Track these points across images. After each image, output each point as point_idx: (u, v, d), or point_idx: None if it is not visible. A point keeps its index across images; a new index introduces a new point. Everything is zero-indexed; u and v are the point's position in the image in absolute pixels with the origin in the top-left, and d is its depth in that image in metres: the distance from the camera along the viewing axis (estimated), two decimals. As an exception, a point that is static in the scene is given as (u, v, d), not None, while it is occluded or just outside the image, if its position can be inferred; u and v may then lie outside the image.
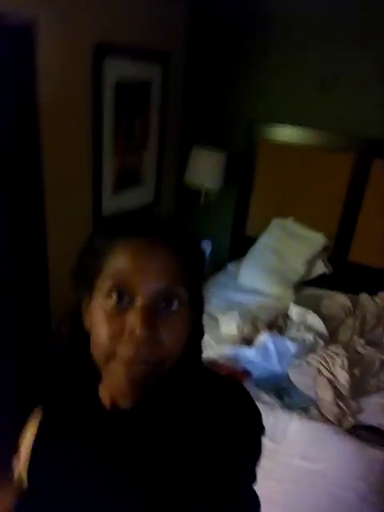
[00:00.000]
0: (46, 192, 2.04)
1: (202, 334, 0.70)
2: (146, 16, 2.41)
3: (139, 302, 0.55)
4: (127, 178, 2.62)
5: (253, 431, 0.62)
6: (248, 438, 0.60)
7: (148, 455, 0.58)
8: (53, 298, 2.18)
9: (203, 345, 0.71)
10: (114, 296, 0.56)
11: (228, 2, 2.64)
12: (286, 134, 2.72)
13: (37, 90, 1.85)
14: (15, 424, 0.88)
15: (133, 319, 0.55)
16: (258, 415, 0.64)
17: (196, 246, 0.64)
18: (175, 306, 0.57)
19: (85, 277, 0.61)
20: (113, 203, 2.51)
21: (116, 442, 0.62)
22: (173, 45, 2.71)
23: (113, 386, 0.62)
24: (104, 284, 0.58)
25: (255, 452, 0.61)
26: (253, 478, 0.61)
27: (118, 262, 0.57)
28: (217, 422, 0.59)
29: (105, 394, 0.65)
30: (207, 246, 3.00)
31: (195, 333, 0.66)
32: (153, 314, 0.55)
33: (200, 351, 0.70)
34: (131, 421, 0.62)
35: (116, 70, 2.27)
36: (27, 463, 0.71)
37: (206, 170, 2.80)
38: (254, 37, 2.65)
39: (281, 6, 2.54)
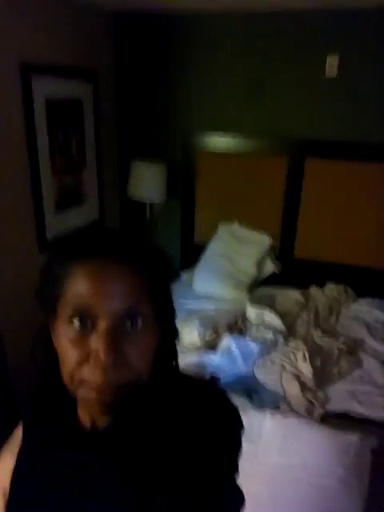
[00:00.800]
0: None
1: (173, 343, 0.69)
2: (71, 35, 2.40)
3: (102, 325, 0.54)
4: (69, 197, 2.55)
5: (232, 428, 0.62)
6: (227, 435, 0.61)
7: (129, 469, 0.58)
8: (2, 326, 2.06)
9: (177, 355, 0.69)
10: (76, 322, 0.55)
11: (151, 18, 2.68)
12: (221, 141, 2.78)
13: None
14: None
15: (96, 344, 0.53)
16: (235, 412, 0.64)
17: (157, 257, 0.62)
18: (140, 324, 0.56)
19: (47, 301, 0.59)
20: (57, 223, 2.43)
21: (97, 460, 0.61)
22: (100, 62, 2.71)
23: (87, 409, 0.62)
24: (64, 310, 0.56)
25: (236, 447, 0.62)
26: (235, 470, 0.61)
27: (77, 286, 0.55)
28: (195, 424, 0.59)
29: (83, 413, 0.64)
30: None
31: (167, 343, 0.66)
32: (117, 336, 0.54)
33: (175, 358, 0.69)
34: (110, 439, 0.61)
35: (44, 87, 2.22)
36: (8, 486, 0.69)
37: (147, 182, 2.79)
38: (180, 49, 2.71)
39: (203, 21, 2.61)
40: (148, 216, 2.96)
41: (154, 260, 0.61)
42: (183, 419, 0.59)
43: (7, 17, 1.93)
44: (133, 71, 2.85)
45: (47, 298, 0.59)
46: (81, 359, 0.55)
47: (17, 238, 2.20)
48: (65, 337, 0.56)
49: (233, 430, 0.62)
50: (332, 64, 2.48)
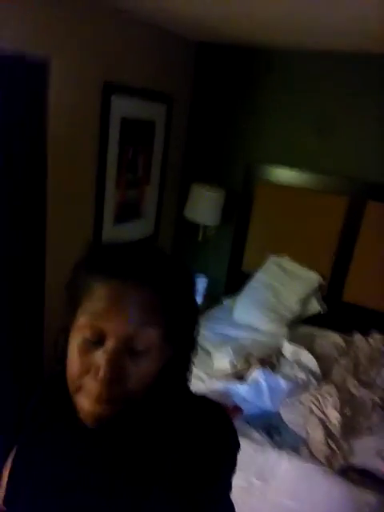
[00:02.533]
0: (49, 220, 2.09)
1: (188, 357, 0.70)
2: (153, 60, 2.56)
3: (109, 344, 0.58)
4: (128, 211, 2.69)
5: (228, 447, 0.63)
6: (222, 452, 0.62)
7: (123, 468, 0.61)
8: (47, 321, 2.19)
9: (190, 373, 0.71)
10: (87, 334, 0.59)
11: (231, 50, 2.80)
12: (283, 175, 2.81)
13: (46, 124, 1.94)
14: (8, 444, 0.87)
15: (100, 360, 0.57)
16: (233, 432, 0.66)
17: (178, 280, 0.64)
18: (145, 349, 0.59)
19: (70, 303, 0.64)
20: (113, 234, 2.55)
21: (93, 456, 0.64)
22: (178, 88, 2.85)
23: (82, 416, 0.63)
24: (80, 320, 0.60)
25: (230, 465, 0.62)
26: (228, 488, 0.62)
27: (93, 303, 0.59)
28: (193, 438, 0.60)
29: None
30: (202, 281, 3.03)
31: (180, 356, 0.68)
32: (121, 357, 0.58)
33: (187, 371, 0.71)
34: (107, 437, 0.64)
35: (122, 107, 2.38)
36: (6, 480, 0.73)
37: (204, 206, 2.87)
38: (255, 81, 2.80)
39: (280, 56, 2.69)
40: (200, 238, 3.03)
41: (172, 281, 0.63)
42: (182, 431, 0.61)
43: (96, 39, 2.12)
44: (207, 98, 2.97)
45: (71, 299, 0.64)
46: (83, 369, 0.59)
47: (76, 243, 2.34)
48: (75, 343, 0.61)
49: (229, 448, 0.63)
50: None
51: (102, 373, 0.57)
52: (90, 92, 2.19)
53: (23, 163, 1.92)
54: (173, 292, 0.62)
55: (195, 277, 0.70)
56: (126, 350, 0.58)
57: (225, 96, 2.91)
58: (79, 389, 0.60)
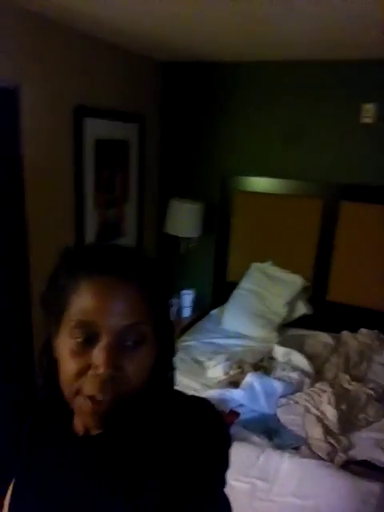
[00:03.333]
0: (30, 246, 2.09)
1: (170, 357, 0.71)
2: (123, 81, 2.63)
3: (104, 340, 0.57)
4: (110, 230, 2.70)
5: (220, 444, 0.63)
6: (215, 449, 0.61)
7: (119, 473, 0.60)
8: (35, 341, 2.16)
9: (175, 371, 0.72)
10: (79, 334, 0.58)
11: (195, 66, 2.89)
12: (258, 183, 2.88)
13: (20, 148, 1.96)
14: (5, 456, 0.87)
15: (97, 357, 0.57)
16: (224, 430, 0.66)
17: (158, 275, 0.65)
18: (140, 341, 0.59)
19: (52, 310, 0.63)
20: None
21: (89, 464, 0.64)
22: (148, 106, 2.93)
23: (82, 419, 0.63)
24: (69, 322, 0.59)
25: (223, 463, 0.62)
26: (222, 485, 0.62)
27: (82, 301, 0.58)
28: (185, 437, 0.60)
29: (77, 422, 0.67)
30: (188, 294, 3.04)
31: (164, 356, 0.68)
32: (117, 352, 0.57)
33: (170, 372, 0.71)
34: (102, 445, 0.63)
35: (95, 128, 2.42)
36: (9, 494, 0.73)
37: (184, 220, 2.91)
38: (222, 95, 2.89)
39: (244, 69, 2.79)
40: (183, 251, 3.05)
41: (155, 277, 0.64)
42: (174, 431, 0.61)
43: (66, 64, 2.17)
44: (177, 115, 3.05)
45: (52, 307, 0.62)
46: (80, 371, 0.58)
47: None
48: (66, 348, 0.59)
49: (220, 445, 0.63)
50: (368, 111, 2.55)
51: (101, 369, 0.56)
52: (62, 116, 2.22)
53: (0, 190, 1.93)
54: (157, 287, 0.63)
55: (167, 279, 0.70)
56: (121, 346, 0.58)
57: (194, 111, 2.99)
58: (78, 392, 0.59)
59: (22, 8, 1.84)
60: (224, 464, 0.63)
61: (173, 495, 0.55)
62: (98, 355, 0.57)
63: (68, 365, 0.59)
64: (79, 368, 0.58)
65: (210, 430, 0.62)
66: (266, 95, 2.79)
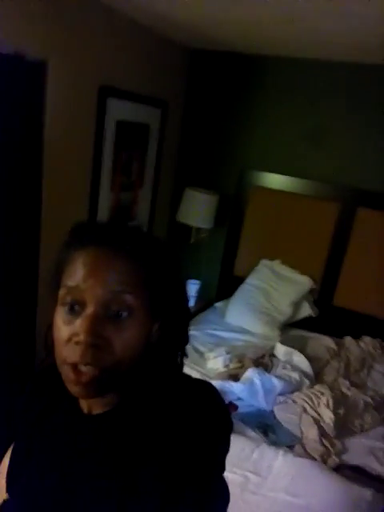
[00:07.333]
0: (43, 220, 2.09)
1: (178, 339, 0.70)
2: (148, 65, 2.60)
3: (88, 309, 0.58)
4: (122, 213, 2.69)
5: (221, 428, 0.63)
6: (216, 433, 0.62)
7: (120, 452, 0.60)
8: (39, 320, 2.17)
9: (182, 355, 0.71)
10: (68, 304, 0.59)
11: (224, 56, 2.86)
12: (276, 180, 2.85)
13: (43, 125, 1.95)
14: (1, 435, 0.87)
15: (80, 325, 0.57)
16: (226, 414, 0.66)
17: (159, 251, 0.65)
18: (125, 313, 0.59)
19: (53, 287, 0.64)
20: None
21: (90, 442, 0.64)
22: (172, 92, 2.90)
23: (69, 388, 0.61)
24: (61, 293, 0.61)
25: (223, 446, 0.63)
26: (222, 469, 0.63)
27: (71, 271, 0.60)
28: (186, 420, 0.60)
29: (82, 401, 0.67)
30: (194, 284, 3.04)
31: (169, 337, 0.67)
32: (100, 322, 0.57)
33: (179, 353, 0.70)
34: (103, 424, 0.64)
35: (118, 110, 2.40)
36: (7, 469, 0.73)
37: (197, 210, 2.89)
38: (248, 88, 2.85)
39: (273, 64, 2.76)
40: (192, 240, 3.04)
41: (155, 253, 0.64)
42: (176, 414, 0.61)
43: (94, 42, 2.15)
44: (201, 104, 3.02)
45: (53, 283, 0.64)
46: (68, 338, 0.58)
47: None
48: (59, 318, 0.60)
49: (221, 429, 0.63)
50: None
51: (81, 336, 0.56)
52: (86, 94, 2.21)
53: (19, 163, 1.92)
54: (151, 262, 0.62)
55: (180, 261, 0.69)
56: (106, 316, 0.58)
57: (218, 102, 2.96)
58: (63, 362, 0.59)
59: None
60: (224, 448, 0.63)
61: (171, 479, 0.55)
62: (80, 323, 0.57)
63: (59, 332, 0.60)
64: (67, 337, 0.59)
65: (212, 414, 0.63)
66: (295, 92, 2.75)
